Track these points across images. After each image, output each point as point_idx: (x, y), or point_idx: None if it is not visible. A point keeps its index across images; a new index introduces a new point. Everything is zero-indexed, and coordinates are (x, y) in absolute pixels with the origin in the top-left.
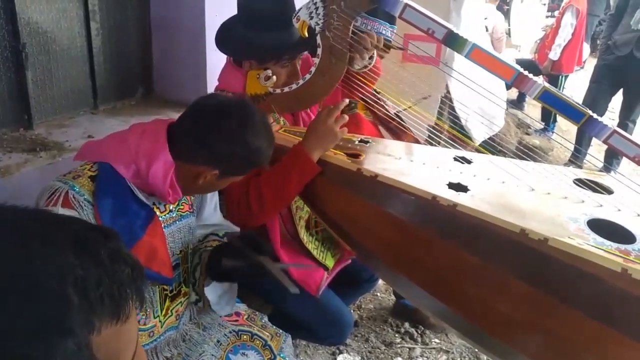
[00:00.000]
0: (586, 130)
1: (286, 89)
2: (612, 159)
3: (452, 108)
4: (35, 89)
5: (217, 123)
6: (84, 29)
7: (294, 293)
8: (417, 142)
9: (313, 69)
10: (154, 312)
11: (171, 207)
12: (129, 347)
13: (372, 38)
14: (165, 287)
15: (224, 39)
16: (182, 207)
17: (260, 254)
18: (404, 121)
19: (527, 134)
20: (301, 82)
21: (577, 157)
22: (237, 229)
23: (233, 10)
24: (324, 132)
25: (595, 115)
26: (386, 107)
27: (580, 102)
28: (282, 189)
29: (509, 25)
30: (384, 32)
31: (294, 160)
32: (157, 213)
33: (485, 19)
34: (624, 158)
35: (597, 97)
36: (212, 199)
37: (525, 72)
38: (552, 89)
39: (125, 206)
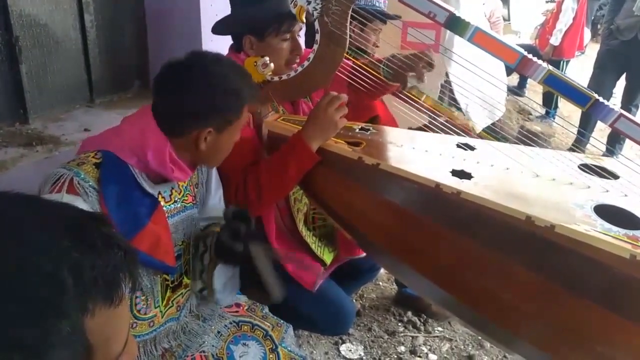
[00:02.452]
0: (592, 114)
1: (284, 77)
2: (614, 143)
3: (453, 94)
4: (30, 83)
5: (180, 84)
6: (78, 21)
7: (274, 300)
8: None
9: (311, 56)
10: (154, 302)
11: (176, 198)
12: (121, 332)
13: (427, 57)
14: (166, 277)
15: (221, 24)
16: (186, 198)
17: (253, 239)
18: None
19: (529, 119)
20: (300, 69)
21: (580, 142)
22: None
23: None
24: (324, 122)
25: (601, 99)
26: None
27: None
28: (280, 178)
29: (509, 11)
30: (377, 3)
31: (293, 149)
32: (162, 203)
33: (483, 4)
34: (626, 142)
35: (601, 83)
36: (217, 191)
37: (530, 56)
38: (557, 72)
39: (130, 193)
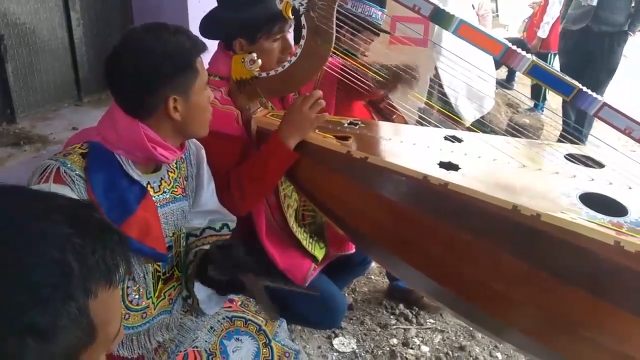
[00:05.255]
0: (576, 104)
1: (272, 73)
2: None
3: (442, 88)
4: (16, 82)
5: (122, 70)
6: (64, 19)
7: (273, 320)
8: (406, 123)
9: (299, 51)
10: (146, 293)
11: (165, 189)
12: (117, 314)
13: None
14: (158, 268)
15: (210, 27)
16: (175, 189)
17: (243, 270)
18: (392, 102)
19: (518, 112)
20: (287, 64)
21: (569, 133)
22: (234, 217)
23: None
24: (300, 120)
25: (584, 89)
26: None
27: None
28: (260, 177)
29: (497, 5)
30: (374, 15)
31: (270, 148)
32: (151, 193)
33: None
34: (611, 131)
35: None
36: (209, 185)
37: (514, 47)
38: (542, 63)
39: (117, 181)
